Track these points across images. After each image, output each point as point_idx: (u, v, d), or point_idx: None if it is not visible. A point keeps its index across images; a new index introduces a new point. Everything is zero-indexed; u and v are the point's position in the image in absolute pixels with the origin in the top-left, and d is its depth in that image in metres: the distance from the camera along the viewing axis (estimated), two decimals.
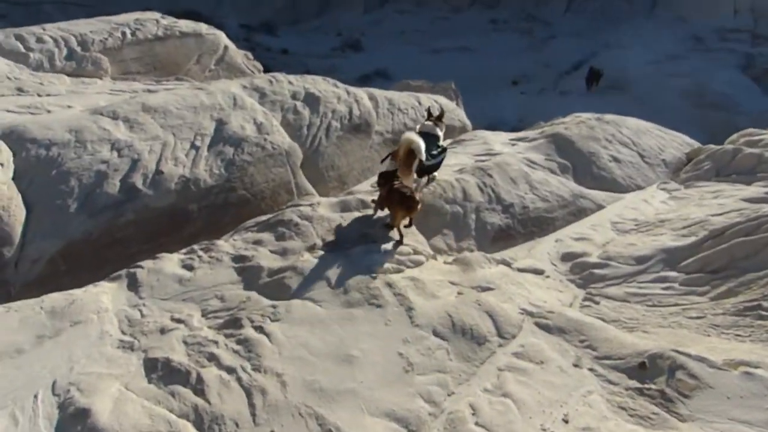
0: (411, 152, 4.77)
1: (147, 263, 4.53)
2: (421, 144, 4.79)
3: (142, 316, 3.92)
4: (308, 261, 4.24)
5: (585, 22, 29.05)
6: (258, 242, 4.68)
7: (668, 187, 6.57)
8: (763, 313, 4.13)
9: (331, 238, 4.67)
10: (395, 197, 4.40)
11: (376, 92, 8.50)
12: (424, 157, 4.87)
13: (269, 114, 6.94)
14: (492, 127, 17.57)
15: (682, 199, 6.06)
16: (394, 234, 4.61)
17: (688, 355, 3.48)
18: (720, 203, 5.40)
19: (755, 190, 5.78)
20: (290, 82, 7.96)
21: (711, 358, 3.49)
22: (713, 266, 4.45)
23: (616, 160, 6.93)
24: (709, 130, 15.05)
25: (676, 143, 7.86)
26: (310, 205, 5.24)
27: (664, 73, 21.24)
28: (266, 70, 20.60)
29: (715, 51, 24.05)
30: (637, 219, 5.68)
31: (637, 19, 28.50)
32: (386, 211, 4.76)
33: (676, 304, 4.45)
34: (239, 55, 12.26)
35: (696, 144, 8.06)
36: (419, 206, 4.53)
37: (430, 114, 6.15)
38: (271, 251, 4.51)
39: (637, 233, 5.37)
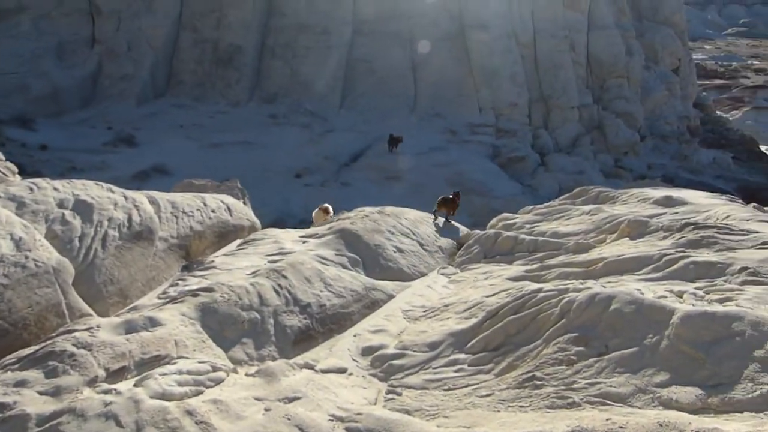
0: None
1: None
2: None
3: None
4: (89, 399, 3.71)
5: (358, 117, 31.56)
6: (21, 383, 3.98)
7: (447, 271, 7.21)
8: (538, 382, 4.63)
9: (116, 366, 4.18)
10: None
11: (158, 195, 8.10)
12: None
13: (30, 227, 6.14)
14: (280, 221, 17.85)
15: (460, 282, 6.68)
16: None
17: None
18: (491, 284, 6.05)
19: (516, 269, 6.63)
20: (56, 189, 7.20)
21: None
22: (493, 344, 4.90)
23: (400, 250, 7.44)
24: (472, 214, 17.07)
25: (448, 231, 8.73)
26: (88, 329, 4.66)
27: (430, 163, 23.84)
28: (21, 171, 18.43)
29: (468, 143, 27.83)
30: (424, 305, 6.09)
31: (403, 114, 31.84)
32: None
33: (467, 385, 4.79)
34: None
35: (465, 229, 9.03)
36: None
37: None
38: (40, 392, 3.86)
39: (426, 319, 5.74)
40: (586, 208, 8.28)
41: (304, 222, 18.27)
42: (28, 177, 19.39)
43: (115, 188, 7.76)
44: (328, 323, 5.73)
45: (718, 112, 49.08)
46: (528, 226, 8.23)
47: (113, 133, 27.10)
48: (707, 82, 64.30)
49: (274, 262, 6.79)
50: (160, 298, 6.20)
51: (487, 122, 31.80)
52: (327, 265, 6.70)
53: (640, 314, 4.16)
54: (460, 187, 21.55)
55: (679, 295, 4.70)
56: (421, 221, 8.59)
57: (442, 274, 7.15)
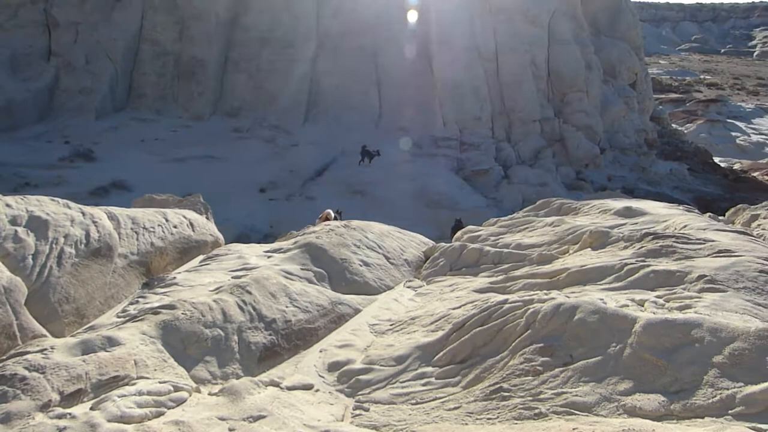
0: None
1: None
2: None
3: None
4: (42, 425, 3.55)
5: (323, 131, 31.52)
6: None
7: (413, 284, 7.20)
8: (505, 393, 4.64)
9: (72, 388, 4.02)
10: None
11: (117, 211, 7.89)
12: None
13: None
14: (244, 235, 17.62)
15: (426, 295, 6.67)
16: None
17: None
18: (457, 296, 6.06)
19: (481, 280, 6.66)
20: (8, 205, 6.94)
21: None
22: (460, 357, 4.89)
23: (366, 264, 7.40)
24: (438, 227, 17.15)
25: (414, 243, 8.74)
26: (41, 350, 4.48)
27: (396, 177, 23.92)
28: None
29: (433, 156, 28.05)
30: (391, 319, 6.05)
31: (368, 128, 31.93)
32: None
33: (435, 398, 4.76)
34: None
35: (430, 242, 9.06)
36: None
37: None
38: None
39: (393, 333, 5.70)
40: (549, 219, 8.40)
41: (269, 236, 18.06)
42: None
43: (72, 204, 7.52)
44: (293, 339, 5.64)
45: (673, 125, 50.68)
46: (493, 238, 8.30)
47: (71, 147, 26.42)
48: (662, 96, 66.45)
49: (238, 277, 6.68)
50: (119, 317, 6.02)
51: (451, 136, 32.17)
52: (292, 279, 6.62)
53: (604, 323, 4.21)
54: (425, 200, 21.87)
55: (641, 303, 4.78)
56: (387, 234, 8.58)
57: (409, 287, 7.13)
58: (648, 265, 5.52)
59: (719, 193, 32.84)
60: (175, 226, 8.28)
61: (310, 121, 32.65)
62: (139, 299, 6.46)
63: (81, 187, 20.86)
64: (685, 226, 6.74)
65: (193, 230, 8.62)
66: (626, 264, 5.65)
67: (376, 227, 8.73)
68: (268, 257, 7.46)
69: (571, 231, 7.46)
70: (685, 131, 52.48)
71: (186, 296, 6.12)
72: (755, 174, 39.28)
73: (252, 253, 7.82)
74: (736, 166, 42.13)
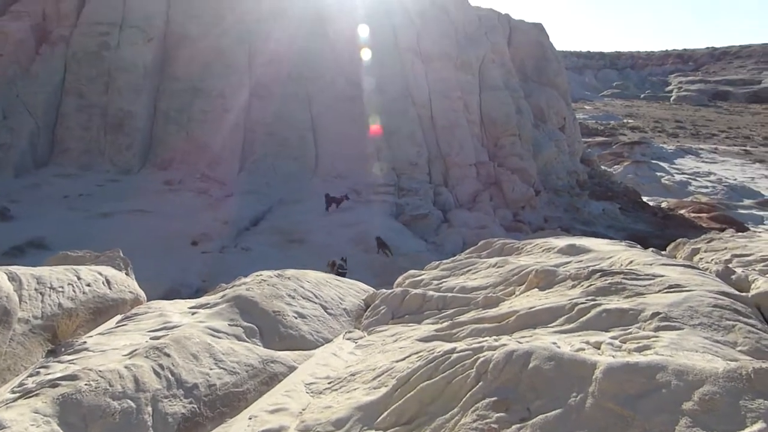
0: None
1: None
2: None
3: None
4: None
5: (258, 180, 30.86)
6: None
7: (353, 336, 6.68)
8: None
9: None
10: None
11: (21, 270, 7.04)
12: None
13: None
14: (175, 291, 16.57)
15: (367, 347, 6.15)
16: None
17: None
18: (400, 347, 5.58)
19: (426, 328, 6.21)
20: None
21: None
22: (407, 416, 4.38)
23: (301, 316, 6.84)
24: (377, 274, 16.69)
25: (353, 291, 8.24)
26: None
27: (335, 224, 23.43)
28: None
29: (372, 202, 27.81)
30: (329, 376, 5.50)
31: (305, 176, 31.52)
32: None
33: None
34: None
35: (370, 289, 8.58)
36: None
37: None
38: None
39: (331, 392, 5.14)
40: (492, 260, 8.11)
41: (201, 291, 17.07)
42: None
43: None
44: (218, 406, 4.98)
45: (602, 167, 52.82)
46: (435, 282, 7.92)
47: None
48: (590, 139, 69.60)
49: (157, 338, 5.98)
50: (13, 392, 5.19)
51: (389, 182, 32.14)
52: (219, 337, 5.97)
53: (561, 370, 3.83)
54: (364, 245, 21.39)
55: (597, 346, 4.45)
56: (324, 283, 8.05)
57: (348, 338, 6.60)
58: (599, 304, 5.24)
59: (650, 230, 34.00)
60: (88, 284, 7.48)
61: (245, 171, 31.93)
62: (41, 370, 5.63)
63: None
64: (631, 262, 6.57)
65: (110, 288, 7.82)
66: (576, 304, 5.35)
67: (312, 275, 8.20)
68: (193, 314, 6.78)
69: (516, 271, 7.17)
70: (614, 172, 54.75)
71: (95, 363, 5.37)
72: (682, 211, 41.10)
73: (175, 310, 7.12)
74: (664, 205, 44.01)
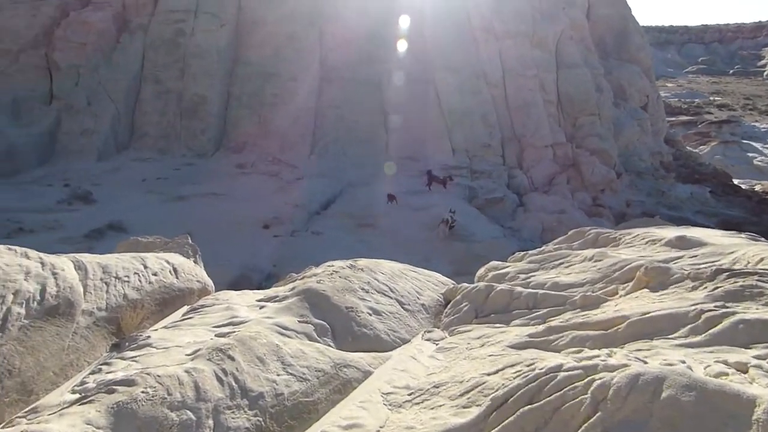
0: None
1: None
2: None
3: None
4: None
5: (329, 164, 30.65)
6: None
7: (433, 336, 6.03)
8: None
9: None
10: None
11: (87, 259, 6.82)
12: None
13: None
14: (245, 277, 16.49)
15: (450, 351, 5.49)
16: None
17: None
18: (489, 354, 4.88)
19: (516, 331, 5.47)
20: None
21: None
22: None
23: (376, 312, 6.25)
24: (453, 261, 15.95)
25: (431, 284, 7.59)
26: None
27: (406, 208, 22.82)
28: None
29: None
30: (409, 385, 4.88)
31: (375, 159, 31.04)
32: None
33: None
34: None
35: (449, 282, 7.90)
36: None
37: None
38: None
39: (412, 406, 4.53)
40: (588, 253, 7.22)
41: (272, 277, 16.92)
42: None
43: (32, 253, 6.45)
44: (286, 419, 4.47)
45: (687, 148, 49.54)
46: (523, 276, 7.14)
47: (69, 190, 25.62)
48: (673, 118, 65.47)
49: (222, 335, 5.56)
50: (74, 392, 4.89)
51: (461, 164, 31.18)
52: (288, 336, 5.48)
53: (706, 405, 3.03)
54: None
55: (741, 368, 3.59)
56: (400, 275, 7.44)
57: (428, 339, 5.96)
58: (732, 313, 4.34)
59: (744, 216, 31.40)
60: (154, 274, 7.20)
61: (315, 154, 31.81)
62: (103, 367, 5.32)
63: (76, 231, 19.92)
64: (761, 260, 5.57)
65: (177, 277, 7.53)
66: (703, 311, 4.47)
67: (387, 266, 7.59)
68: (261, 308, 6.34)
69: (618, 267, 6.29)
70: (700, 153, 51.27)
71: (156, 362, 4.99)
72: None
73: (243, 302, 6.71)
74: (758, 188, 40.70)
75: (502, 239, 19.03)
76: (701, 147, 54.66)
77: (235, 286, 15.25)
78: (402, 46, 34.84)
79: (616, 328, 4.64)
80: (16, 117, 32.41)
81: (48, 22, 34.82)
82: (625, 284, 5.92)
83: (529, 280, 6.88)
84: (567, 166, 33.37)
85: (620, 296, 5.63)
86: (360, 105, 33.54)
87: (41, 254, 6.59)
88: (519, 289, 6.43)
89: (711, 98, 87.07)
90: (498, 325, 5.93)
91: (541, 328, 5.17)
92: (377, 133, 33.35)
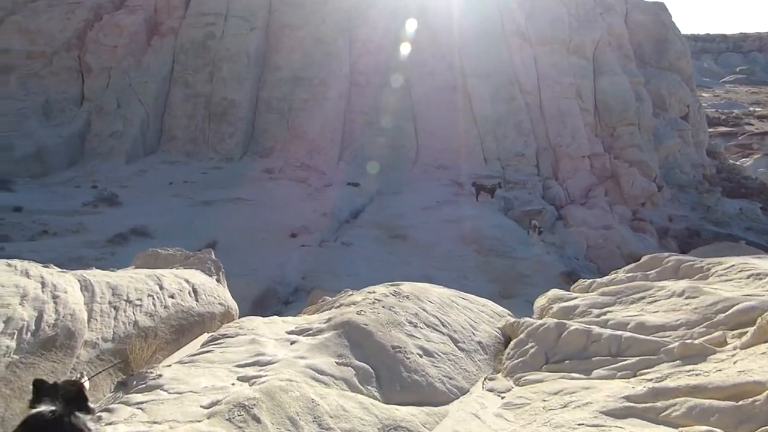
0: None
1: None
2: None
3: None
4: None
5: (357, 170, 29.81)
6: None
7: (496, 386, 5.04)
8: None
9: None
10: None
11: (96, 278, 5.98)
12: None
13: None
14: (272, 291, 15.60)
15: (521, 409, 4.49)
16: None
17: None
18: (580, 424, 3.85)
19: (607, 389, 4.43)
20: None
21: None
22: None
23: (427, 353, 5.28)
24: (495, 279, 14.87)
25: (485, 315, 6.59)
26: None
27: (439, 219, 21.78)
28: None
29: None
30: None
31: (404, 167, 30.12)
32: None
33: None
34: None
35: (505, 313, 6.90)
36: None
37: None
38: None
39: None
40: (676, 287, 6.13)
41: (299, 290, 16.04)
42: None
43: (34, 270, 5.61)
44: None
45: (730, 160, 47.58)
46: (596, 311, 6.10)
47: (95, 192, 25.21)
48: (711, 129, 63.21)
49: (247, 380, 4.66)
50: None
51: (493, 173, 30.06)
52: (324, 384, 4.54)
53: None
54: (476, 245, 19.48)
55: None
56: (450, 304, 6.46)
57: (490, 389, 4.97)
58: None
59: None
60: (171, 296, 6.35)
61: (344, 161, 30.99)
62: (103, 415, 4.47)
63: (100, 235, 19.35)
64: None
65: (197, 299, 6.67)
66: None
67: (435, 294, 6.61)
68: (291, 343, 5.42)
69: (721, 307, 5.22)
70: (743, 166, 49.19)
71: (166, 414, 4.10)
72: None
73: (270, 334, 5.79)
74: None
75: (546, 257, 17.81)
76: (743, 159, 52.49)
77: (262, 300, 14.46)
78: (437, 51, 33.92)
79: (752, 400, 3.58)
80: (47, 118, 32.31)
81: (81, 25, 34.78)
82: (735, 331, 4.85)
83: (605, 317, 5.84)
84: (605, 178, 32.00)
85: (733, 348, 4.56)
86: (389, 111, 32.68)
87: (44, 271, 5.76)
88: (597, 329, 5.40)
89: (751, 108, 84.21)
90: (575, 375, 4.91)
91: (641, 389, 4.13)
92: (407, 140, 32.45)
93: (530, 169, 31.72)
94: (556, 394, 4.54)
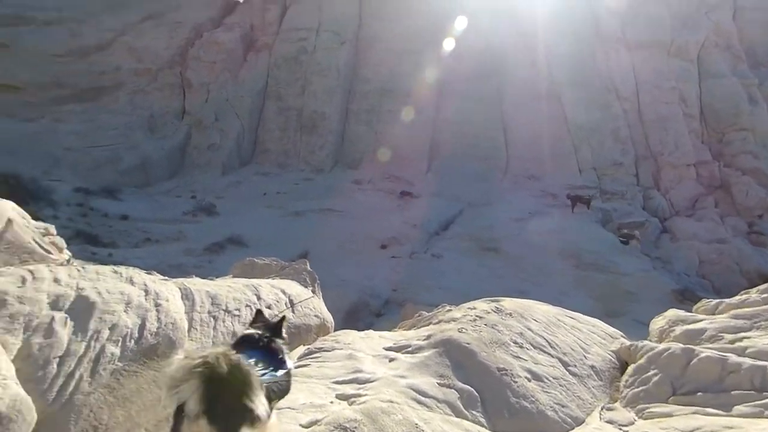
0: None
1: None
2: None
3: None
4: None
5: (446, 181, 29.43)
6: None
7: (616, 417, 4.53)
8: None
9: None
10: None
11: (197, 287, 5.99)
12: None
13: None
14: (363, 303, 15.50)
15: None
16: None
17: None
18: None
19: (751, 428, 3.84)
20: (56, 280, 5.20)
21: None
22: None
23: (536, 377, 4.86)
24: (598, 297, 14.00)
25: (596, 337, 6.05)
26: None
27: (530, 231, 20.98)
28: (96, 242, 17.00)
29: (569, 207, 24.72)
30: None
31: (494, 177, 29.40)
32: None
33: None
34: (29, 232, 9.32)
35: (617, 334, 6.32)
36: None
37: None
38: None
39: None
40: None
41: (390, 302, 15.87)
42: (102, 247, 18.03)
43: (138, 277, 5.66)
44: None
45: None
46: (729, 336, 5.41)
47: (194, 202, 26.38)
48: None
49: (346, 398, 4.44)
50: None
51: (588, 183, 28.74)
52: (427, 407, 4.24)
53: None
54: (575, 260, 18.48)
55: None
56: (557, 323, 5.98)
57: (609, 421, 4.47)
58: None
59: None
60: (268, 307, 6.28)
61: (433, 171, 30.73)
62: None
63: (198, 243, 20.16)
64: None
65: (293, 311, 6.59)
66: None
67: (540, 311, 6.15)
68: (390, 360, 5.16)
69: None
70: None
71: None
72: None
73: (367, 349, 5.57)
74: None
75: (653, 272, 16.62)
76: None
77: (353, 312, 14.39)
78: (528, 59, 33.02)
79: None
80: (152, 132, 34.29)
81: (183, 43, 36.77)
82: None
83: (741, 343, 5.15)
84: (713, 188, 29.76)
85: None
86: (478, 121, 32.12)
87: (147, 279, 5.83)
88: (734, 358, 4.76)
89: None
90: (711, 410, 4.31)
91: None
92: (496, 149, 31.73)
93: (629, 178, 30.10)
94: None
